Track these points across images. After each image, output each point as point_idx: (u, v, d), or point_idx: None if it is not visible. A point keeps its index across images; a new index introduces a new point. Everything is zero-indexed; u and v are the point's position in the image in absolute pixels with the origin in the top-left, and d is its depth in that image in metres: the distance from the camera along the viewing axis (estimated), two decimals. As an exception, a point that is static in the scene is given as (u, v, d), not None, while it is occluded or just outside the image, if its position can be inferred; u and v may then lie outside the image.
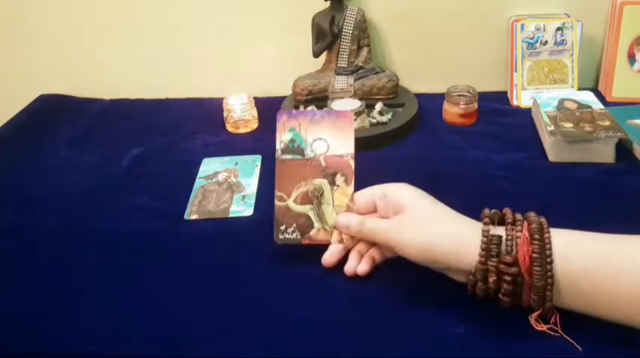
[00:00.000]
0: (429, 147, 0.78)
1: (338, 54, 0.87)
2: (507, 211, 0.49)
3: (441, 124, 0.83)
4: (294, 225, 0.57)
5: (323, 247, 0.57)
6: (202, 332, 0.50)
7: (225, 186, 0.72)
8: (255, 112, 0.86)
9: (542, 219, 0.47)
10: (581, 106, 0.76)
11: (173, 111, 0.94)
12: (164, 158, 0.80)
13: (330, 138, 0.59)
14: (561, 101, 0.77)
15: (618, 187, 0.66)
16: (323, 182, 0.58)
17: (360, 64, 0.87)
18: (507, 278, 0.46)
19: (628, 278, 0.43)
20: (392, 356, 0.47)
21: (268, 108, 0.88)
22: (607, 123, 0.71)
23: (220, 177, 0.74)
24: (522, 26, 0.84)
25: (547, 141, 0.73)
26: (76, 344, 0.50)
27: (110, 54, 0.98)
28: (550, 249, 0.45)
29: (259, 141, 0.82)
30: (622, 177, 0.67)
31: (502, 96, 0.90)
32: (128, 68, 0.99)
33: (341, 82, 0.86)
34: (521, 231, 0.46)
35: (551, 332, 0.46)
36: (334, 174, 0.58)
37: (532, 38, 0.85)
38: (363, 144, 0.76)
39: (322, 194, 0.58)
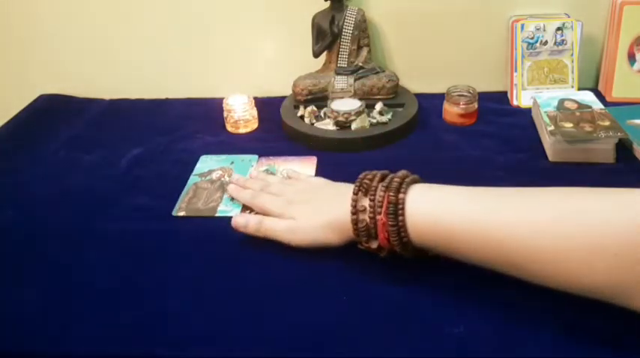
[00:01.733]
0: (429, 147, 0.78)
1: (338, 54, 0.87)
2: (372, 185, 0.53)
3: (441, 124, 0.83)
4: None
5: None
6: (202, 332, 0.50)
7: (217, 185, 0.71)
8: (255, 112, 0.86)
9: (401, 196, 0.51)
10: (581, 106, 0.76)
11: (173, 111, 0.94)
12: (164, 158, 0.80)
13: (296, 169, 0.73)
14: (561, 101, 0.77)
15: (618, 187, 0.66)
16: None
17: (360, 64, 0.87)
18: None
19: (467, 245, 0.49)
20: (392, 356, 0.47)
21: (268, 108, 0.88)
22: (607, 123, 0.71)
23: (214, 176, 0.73)
24: (522, 26, 0.84)
25: (547, 141, 0.73)
26: (76, 344, 0.50)
27: (110, 54, 0.98)
28: (405, 230, 0.50)
29: (259, 141, 0.82)
30: (622, 177, 0.67)
31: (502, 96, 0.90)
32: (128, 68, 0.99)
33: (341, 82, 0.86)
34: (380, 213, 0.51)
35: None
36: None
37: (532, 38, 0.85)
38: (363, 144, 0.77)
39: None
